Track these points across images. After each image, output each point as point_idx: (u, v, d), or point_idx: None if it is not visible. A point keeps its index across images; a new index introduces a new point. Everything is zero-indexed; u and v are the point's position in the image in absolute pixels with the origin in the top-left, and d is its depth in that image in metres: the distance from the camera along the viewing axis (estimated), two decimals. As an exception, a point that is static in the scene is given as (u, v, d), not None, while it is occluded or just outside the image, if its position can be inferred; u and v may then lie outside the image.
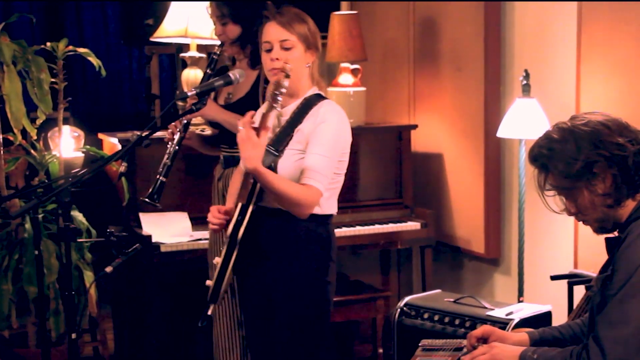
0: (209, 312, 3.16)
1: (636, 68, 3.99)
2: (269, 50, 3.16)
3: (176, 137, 3.82)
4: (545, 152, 2.52)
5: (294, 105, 3.20)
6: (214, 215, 3.23)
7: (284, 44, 3.14)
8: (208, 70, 3.98)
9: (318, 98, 3.21)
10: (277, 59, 3.13)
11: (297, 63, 3.15)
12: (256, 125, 2.94)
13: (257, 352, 3.37)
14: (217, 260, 3.14)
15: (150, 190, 3.78)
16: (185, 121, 3.82)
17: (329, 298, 3.23)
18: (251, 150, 2.91)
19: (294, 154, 3.13)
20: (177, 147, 3.81)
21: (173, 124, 3.82)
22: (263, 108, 3.03)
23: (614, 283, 2.41)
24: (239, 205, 3.13)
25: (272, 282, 3.19)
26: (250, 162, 2.93)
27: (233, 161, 3.92)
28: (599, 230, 2.57)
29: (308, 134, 3.12)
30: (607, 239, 2.57)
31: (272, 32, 3.16)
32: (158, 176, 3.78)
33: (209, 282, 3.17)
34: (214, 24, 3.94)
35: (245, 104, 3.74)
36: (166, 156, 3.81)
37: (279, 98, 2.95)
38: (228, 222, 3.19)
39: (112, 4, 8.36)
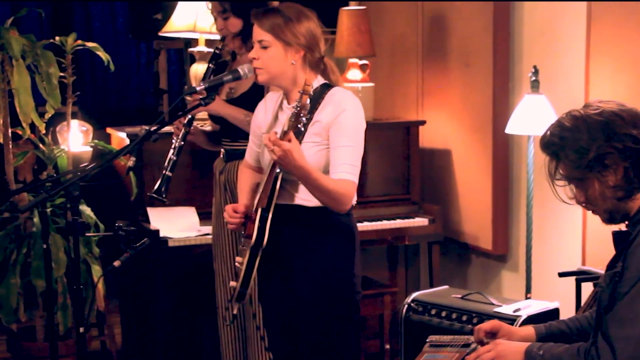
0: (235, 312, 3.21)
1: (646, 65, 3.98)
2: None
3: (181, 132, 3.83)
4: (557, 141, 2.47)
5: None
6: (231, 215, 3.23)
7: (261, 44, 3.16)
8: (211, 65, 3.98)
9: (325, 88, 3.20)
10: (254, 58, 3.17)
11: (276, 61, 3.16)
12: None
13: (280, 351, 3.35)
14: (240, 260, 3.14)
15: (157, 185, 3.80)
16: (190, 116, 3.83)
17: (356, 292, 3.23)
18: (297, 156, 2.93)
19: (311, 146, 3.12)
20: (182, 142, 3.83)
21: (178, 119, 3.82)
22: (285, 126, 3.03)
23: (624, 281, 2.37)
24: (259, 210, 3.12)
25: (297, 280, 3.18)
26: (299, 168, 2.96)
27: (235, 155, 3.93)
28: (607, 220, 2.52)
29: (328, 123, 3.11)
30: (614, 233, 2.52)
31: (254, 32, 3.19)
32: (164, 171, 3.80)
33: (232, 283, 3.17)
34: (215, 19, 3.96)
35: (250, 99, 3.75)
36: (171, 151, 3.82)
37: (303, 118, 2.97)
38: (245, 221, 3.19)
39: (121, -2, 8.38)
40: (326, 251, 3.15)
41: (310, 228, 3.16)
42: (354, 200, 3.19)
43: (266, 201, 3.10)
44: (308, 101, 2.97)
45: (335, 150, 3.10)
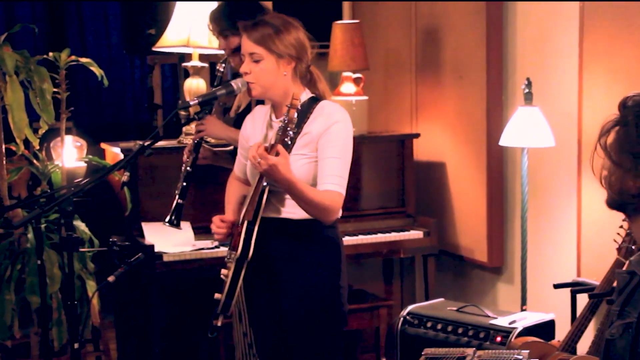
0: (219, 324, 3.18)
1: (638, 75, 3.98)
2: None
3: (190, 159, 3.83)
4: None
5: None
6: (217, 225, 3.24)
7: (253, 57, 3.17)
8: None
9: (313, 102, 3.21)
10: (245, 72, 3.18)
11: (269, 74, 3.16)
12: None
13: None
14: (225, 273, 3.13)
15: (170, 213, 3.80)
16: (196, 141, 3.83)
17: (343, 303, 3.23)
18: (282, 169, 2.94)
19: (299, 159, 3.13)
20: (190, 169, 3.82)
21: (187, 148, 3.84)
22: (272, 139, 3.05)
23: None
24: (245, 223, 3.12)
25: (284, 293, 3.19)
26: (285, 181, 2.98)
27: None
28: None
29: (318, 134, 3.12)
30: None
31: (243, 45, 3.20)
32: (175, 199, 3.80)
33: (217, 295, 3.16)
34: (217, 39, 3.98)
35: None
36: (181, 178, 3.82)
37: (290, 132, 3.01)
38: (232, 232, 3.20)
39: (115, 14, 8.39)
40: (312, 263, 3.17)
41: (295, 241, 3.17)
42: (339, 213, 3.20)
43: (252, 214, 3.11)
44: (295, 115, 2.99)
45: (324, 161, 3.11)
